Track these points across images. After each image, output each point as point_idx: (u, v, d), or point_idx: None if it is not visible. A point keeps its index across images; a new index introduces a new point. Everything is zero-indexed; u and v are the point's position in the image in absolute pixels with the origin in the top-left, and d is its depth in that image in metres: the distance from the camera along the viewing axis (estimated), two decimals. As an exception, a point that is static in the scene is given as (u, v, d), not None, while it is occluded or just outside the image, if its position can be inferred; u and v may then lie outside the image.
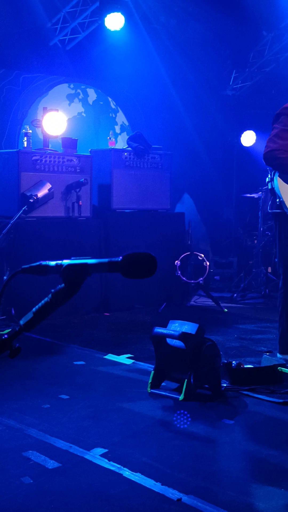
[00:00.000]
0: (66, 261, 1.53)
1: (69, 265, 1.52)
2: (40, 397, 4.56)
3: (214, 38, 10.07)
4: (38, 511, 3.01)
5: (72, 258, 1.54)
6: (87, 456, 3.57)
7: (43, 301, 1.53)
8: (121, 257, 1.51)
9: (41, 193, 7.05)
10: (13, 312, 6.63)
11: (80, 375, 5.19)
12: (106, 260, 1.52)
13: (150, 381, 4.71)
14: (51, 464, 3.47)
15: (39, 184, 7.10)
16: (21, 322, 1.55)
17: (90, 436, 3.86)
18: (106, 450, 3.64)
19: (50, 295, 1.54)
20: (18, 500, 3.10)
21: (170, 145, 9.22)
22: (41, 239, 7.10)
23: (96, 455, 3.57)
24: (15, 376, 5.03)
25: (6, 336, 1.55)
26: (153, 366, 4.80)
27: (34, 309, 1.54)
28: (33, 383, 4.93)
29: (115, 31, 8.89)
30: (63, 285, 1.54)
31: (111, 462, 3.48)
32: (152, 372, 4.74)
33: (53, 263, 1.55)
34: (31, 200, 6.89)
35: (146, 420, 4.17)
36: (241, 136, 10.74)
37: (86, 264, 1.52)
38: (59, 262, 1.54)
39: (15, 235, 6.77)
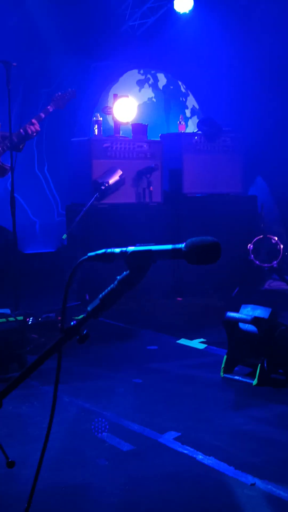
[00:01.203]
0: (130, 248, 1.54)
1: (133, 252, 1.53)
2: (114, 381, 4.64)
3: (284, 17, 9.78)
4: (113, 492, 3.07)
5: (137, 244, 1.55)
6: (160, 440, 3.61)
7: (109, 288, 1.55)
8: (184, 244, 1.50)
9: (113, 179, 7.12)
10: (87, 297, 6.76)
11: (153, 359, 5.23)
12: (169, 247, 1.51)
13: (223, 365, 4.70)
14: (126, 446, 3.53)
15: (110, 171, 7.17)
16: (89, 308, 1.58)
17: (163, 420, 3.89)
18: (179, 434, 3.67)
19: (116, 282, 1.56)
20: (93, 480, 3.18)
21: (242, 128, 9.06)
22: (113, 226, 7.17)
23: (169, 439, 3.61)
24: (90, 361, 5.14)
25: (75, 322, 1.59)
26: (226, 351, 4.78)
27: (100, 296, 1.56)
28: (107, 367, 5.02)
29: (184, 14, 8.82)
30: (128, 271, 1.55)
31: (184, 446, 3.51)
32: (225, 357, 4.73)
33: (118, 250, 1.56)
34: (103, 187, 6.97)
35: (219, 405, 4.17)
36: (315, 115, 10.44)
37: (150, 251, 1.52)
38: (124, 249, 1.55)
39: (88, 222, 6.87)
